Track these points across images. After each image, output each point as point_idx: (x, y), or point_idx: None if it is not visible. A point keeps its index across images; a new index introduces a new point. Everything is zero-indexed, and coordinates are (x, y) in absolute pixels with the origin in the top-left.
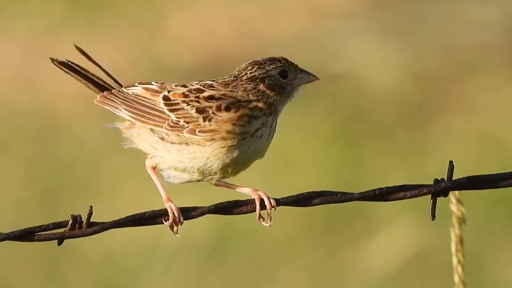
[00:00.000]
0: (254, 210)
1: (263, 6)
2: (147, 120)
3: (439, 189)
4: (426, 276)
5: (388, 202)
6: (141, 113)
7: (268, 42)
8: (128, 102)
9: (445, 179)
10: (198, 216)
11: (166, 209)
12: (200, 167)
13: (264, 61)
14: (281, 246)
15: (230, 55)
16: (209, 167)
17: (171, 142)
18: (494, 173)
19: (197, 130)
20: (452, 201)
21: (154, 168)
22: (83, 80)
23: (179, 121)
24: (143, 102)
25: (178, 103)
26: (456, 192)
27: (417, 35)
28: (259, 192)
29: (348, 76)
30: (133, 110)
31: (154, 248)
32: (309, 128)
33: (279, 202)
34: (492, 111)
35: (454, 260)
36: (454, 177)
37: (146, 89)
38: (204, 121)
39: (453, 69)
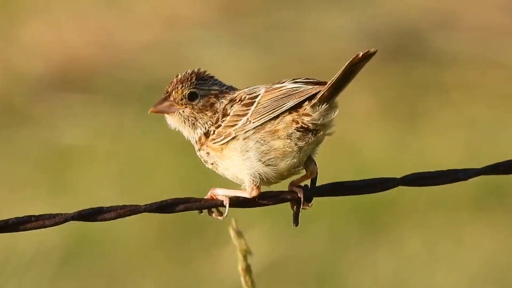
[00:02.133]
0: (118, 217)
1: (116, 14)
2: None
3: (304, 195)
4: (282, 284)
5: (243, 209)
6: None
7: (122, 50)
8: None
9: (309, 186)
10: (61, 223)
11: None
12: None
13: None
14: (135, 254)
15: (84, 64)
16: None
17: None
18: (352, 179)
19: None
20: (232, 235)
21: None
22: None
23: None
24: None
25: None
26: (234, 224)
27: (272, 43)
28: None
29: None
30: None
31: (7, 258)
32: (163, 137)
33: (142, 209)
34: (347, 119)
35: None
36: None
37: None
38: None
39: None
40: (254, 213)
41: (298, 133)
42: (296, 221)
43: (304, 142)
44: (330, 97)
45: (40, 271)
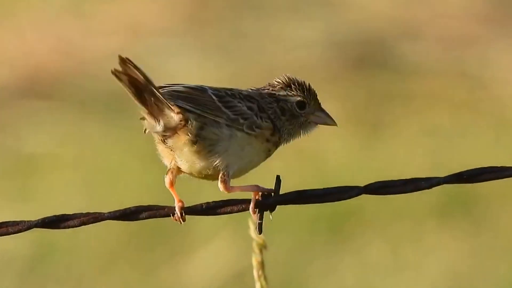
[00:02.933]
0: (82, 225)
1: (82, 23)
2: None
3: (267, 204)
4: None
5: (209, 217)
6: (201, 106)
7: (87, 59)
8: (183, 95)
9: (273, 194)
10: (25, 231)
11: None
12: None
13: (290, 84)
14: (100, 262)
15: (49, 73)
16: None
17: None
18: (316, 187)
19: (254, 126)
20: (251, 227)
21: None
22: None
23: (238, 118)
24: (197, 98)
25: (231, 101)
26: (254, 218)
27: (237, 52)
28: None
29: None
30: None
31: None
32: (128, 145)
33: (106, 216)
34: None
35: (257, 285)
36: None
37: (189, 87)
38: (257, 118)
39: None
40: (219, 222)
41: None
42: (259, 229)
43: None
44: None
45: (2, 279)
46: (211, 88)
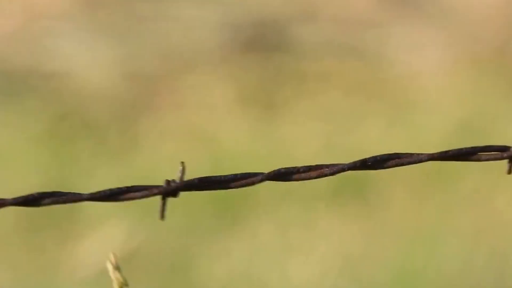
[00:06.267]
0: None
1: None
2: None
3: (170, 190)
4: (135, 274)
5: (102, 203)
6: None
7: None
8: None
9: (176, 180)
10: None
11: None
12: None
13: None
14: None
15: None
16: None
17: None
18: (213, 171)
19: None
20: (110, 269)
21: None
22: None
23: None
24: None
25: None
26: (112, 259)
27: (132, 34)
28: None
29: (61, 75)
30: None
31: None
32: (19, 127)
33: (9, 202)
34: (205, 109)
35: None
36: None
37: None
38: None
39: (167, 68)
40: (112, 204)
41: None
42: (162, 215)
43: None
44: None
45: None
46: None
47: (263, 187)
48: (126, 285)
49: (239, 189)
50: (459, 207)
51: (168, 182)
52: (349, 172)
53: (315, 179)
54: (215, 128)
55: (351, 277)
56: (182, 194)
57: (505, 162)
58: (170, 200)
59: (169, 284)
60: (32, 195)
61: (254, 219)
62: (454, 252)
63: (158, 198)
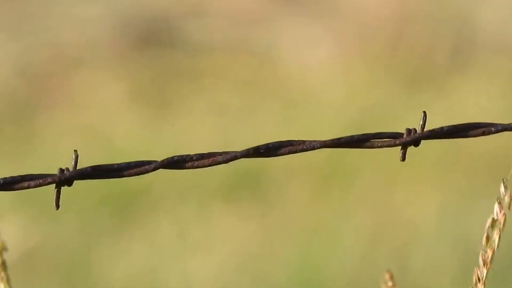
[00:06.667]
0: None
1: None
2: None
3: (64, 178)
4: (33, 275)
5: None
6: None
7: None
8: None
9: (69, 169)
10: None
11: None
12: None
13: None
14: None
15: None
16: None
17: None
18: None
19: None
20: None
21: None
22: None
23: None
24: None
25: None
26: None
27: (23, 31)
28: None
29: None
30: None
31: None
32: None
33: None
34: (98, 106)
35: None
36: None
37: None
38: None
39: (60, 66)
40: (6, 201)
41: None
42: (57, 205)
43: None
44: None
45: None
46: None
47: (158, 185)
48: (5, 249)
49: (136, 186)
50: (357, 203)
51: (61, 170)
52: (246, 168)
53: (210, 178)
54: (109, 126)
55: (250, 274)
56: (80, 193)
57: (399, 155)
58: (68, 199)
59: (68, 285)
60: None
61: (152, 218)
62: (352, 249)
63: (54, 196)
